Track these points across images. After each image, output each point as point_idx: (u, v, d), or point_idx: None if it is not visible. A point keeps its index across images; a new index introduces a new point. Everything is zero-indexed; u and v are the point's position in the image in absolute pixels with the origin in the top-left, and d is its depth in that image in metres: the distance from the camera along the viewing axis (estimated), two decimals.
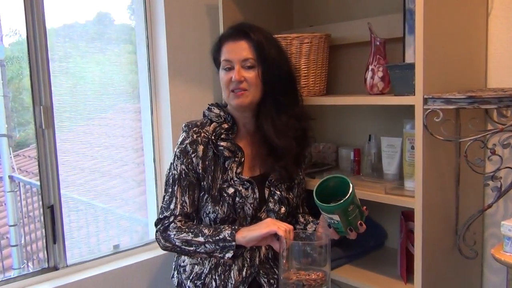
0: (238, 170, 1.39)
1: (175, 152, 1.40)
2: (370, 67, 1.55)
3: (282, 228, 1.22)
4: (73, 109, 1.84)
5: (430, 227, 1.32)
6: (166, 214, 1.38)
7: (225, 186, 1.37)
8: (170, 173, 1.40)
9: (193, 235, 1.32)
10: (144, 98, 2.05)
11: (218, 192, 1.37)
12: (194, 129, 1.39)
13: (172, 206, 1.38)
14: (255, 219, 1.40)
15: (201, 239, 1.31)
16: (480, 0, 1.48)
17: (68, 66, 1.82)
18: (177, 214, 1.37)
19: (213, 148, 1.38)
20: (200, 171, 1.37)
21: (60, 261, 1.78)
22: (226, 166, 1.38)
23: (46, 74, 1.69)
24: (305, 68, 1.67)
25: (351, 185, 1.21)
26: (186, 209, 1.38)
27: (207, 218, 1.39)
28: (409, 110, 1.30)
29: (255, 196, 1.39)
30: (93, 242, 1.97)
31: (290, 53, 1.64)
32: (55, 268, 1.77)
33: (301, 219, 1.52)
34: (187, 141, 1.38)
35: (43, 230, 1.76)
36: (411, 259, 1.36)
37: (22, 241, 2.35)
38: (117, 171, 2.07)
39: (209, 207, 1.38)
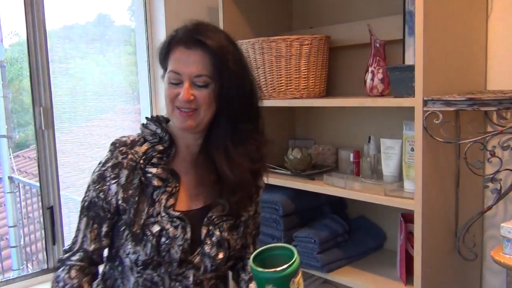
0: (169, 203, 1.11)
1: (95, 173, 1.15)
2: (370, 69, 1.56)
3: None
4: (73, 110, 1.85)
5: (429, 229, 1.32)
6: (69, 244, 1.15)
7: (150, 222, 1.09)
8: (83, 198, 1.15)
9: None
10: (144, 99, 2.05)
11: (140, 229, 1.09)
12: (121, 148, 1.13)
13: (73, 239, 1.14)
14: (185, 263, 1.11)
15: None
16: (480, 2, 1.48)
17: (68, 67, 1.83)
18: (75, 250, 1.12)
19: (141, 174, 1.11)
20: (120, 202, 1.10)
21: None
22: (155, 197, 1.11)
23: (46, 75, 1.69)
24: (305, 69, 1.67)
25: (295, 255, 0.90)
26: (86, 246, 1.12)
27: (127, 259, 1.11)
28: (408, 112, 1.30)
29: (186, 236, 1.10)
30: None
31: (290, 55, 1.65)
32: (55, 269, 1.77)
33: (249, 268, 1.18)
34: (109, 164, 1.12)
35: (43, 231, 1.76)
36: (411, 261, 1.36)
37: (22, 242, 2.35)
38: None
39: (129, 246, 1.09)
